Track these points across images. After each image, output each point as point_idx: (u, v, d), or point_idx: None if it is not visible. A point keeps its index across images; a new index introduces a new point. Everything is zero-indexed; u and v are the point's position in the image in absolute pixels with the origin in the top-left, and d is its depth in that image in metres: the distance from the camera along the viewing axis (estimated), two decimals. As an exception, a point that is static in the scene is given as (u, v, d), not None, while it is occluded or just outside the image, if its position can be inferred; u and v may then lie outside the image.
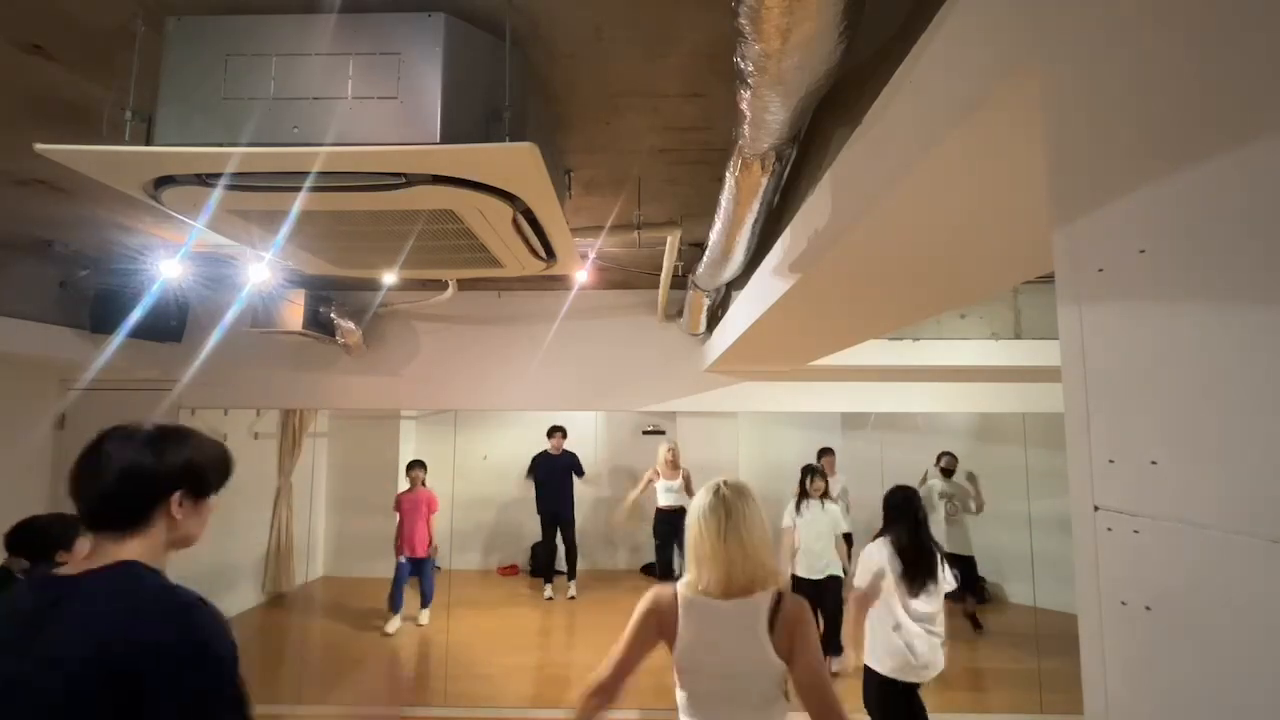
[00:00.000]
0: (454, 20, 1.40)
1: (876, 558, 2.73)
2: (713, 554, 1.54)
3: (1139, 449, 0.63)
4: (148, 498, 1.07)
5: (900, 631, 2.64)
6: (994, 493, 5.31)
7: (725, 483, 1.64)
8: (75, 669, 0.91)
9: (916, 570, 2.65)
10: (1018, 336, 4.10)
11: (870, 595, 2.71)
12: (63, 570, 1.03)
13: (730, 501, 1.59)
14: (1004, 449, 5.34)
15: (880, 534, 2.81)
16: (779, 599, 1.53)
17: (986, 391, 4.56)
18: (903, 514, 2.76)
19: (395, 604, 5.19)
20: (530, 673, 4.63)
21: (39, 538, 2.17)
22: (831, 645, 4.19)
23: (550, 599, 5.97)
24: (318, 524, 6.44)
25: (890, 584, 2.68)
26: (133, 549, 1.05)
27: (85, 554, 1.06)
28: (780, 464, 5.94)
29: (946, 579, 2.74)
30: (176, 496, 1.09)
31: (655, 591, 1.61)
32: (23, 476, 4.23)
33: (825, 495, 4.37)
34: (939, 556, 2.73)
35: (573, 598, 5.98)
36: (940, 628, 2.71)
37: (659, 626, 1.57)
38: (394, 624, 5.18)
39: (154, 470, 1.08)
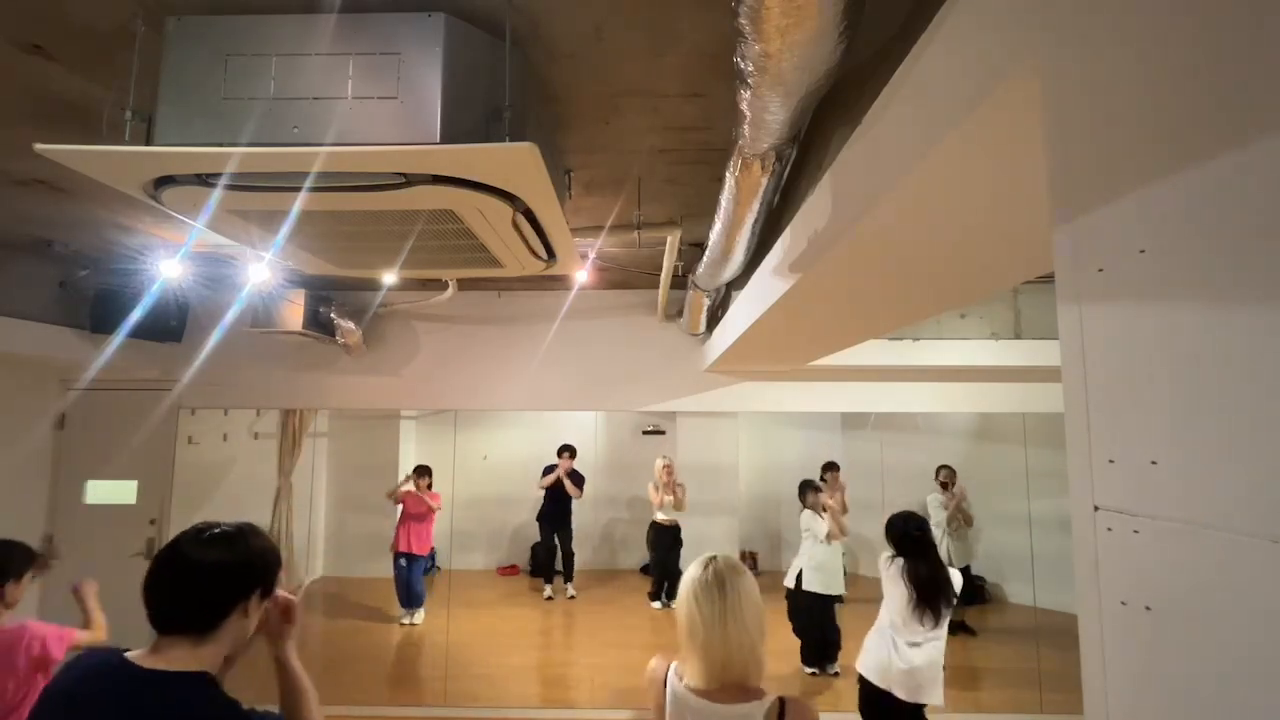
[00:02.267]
0: (454, 20, 1.40)
1: (897, 578, 2.73)
2: (707, 640, 1.34)
3: (1139, 449, 0.63)
4: (225, 602, 1.06)
5: (899, 651, 2.67)
6: (994, 493, 5.31)
7: (717, 558, 1.45)
8: None
9: (931, 602, 2.66)
10: (1018, 336, 4.10)
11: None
12: (135, 659, 1.01)
13: (726, 578, 1.39)
14: (1004, 449, 5.34)
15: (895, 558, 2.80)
16: (781, 710, 1.30)
17: (986, 391, 4.56)
18: (915, 545, 2.75)
19: (402, 600, 5.23)
20: (530, 673, 4.63)
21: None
22: (829, 656, 4.23)
23: (550, 599, 5.98)
24: (318, 524, 6.44)
25: (902, 610, 2.68)
26: (204, 657, 1.03)
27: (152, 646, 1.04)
28: (780, 464, 5.95)
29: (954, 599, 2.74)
30: (254, 598, 1.09)
31: (650, 671, 1.47)
32: (23, 476, 4.23)
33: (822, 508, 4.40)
34: (949, 582, 2.73)
35: (572, 597, 6.01)
36: (943, 647, 2.72)
37: (657, 708, 1.43)
38: (418, 615, 5.24)
39: (236, 566, 1.07)
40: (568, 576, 6.09)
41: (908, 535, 2.77)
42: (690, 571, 1.45)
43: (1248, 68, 0.54)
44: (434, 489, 5.43)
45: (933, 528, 5.09)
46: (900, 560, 2.75)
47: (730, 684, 1.34)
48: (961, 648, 4.93)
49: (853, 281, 1.97)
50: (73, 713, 0.95)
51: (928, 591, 2.66)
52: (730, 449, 6.11)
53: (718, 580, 1.39)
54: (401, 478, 5.47)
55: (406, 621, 5.25)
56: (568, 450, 6.08)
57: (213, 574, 1.05)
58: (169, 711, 0.97)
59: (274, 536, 5.81)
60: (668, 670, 1.43)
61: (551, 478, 5.90)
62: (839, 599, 4.37)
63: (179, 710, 0.98)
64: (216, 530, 1.09)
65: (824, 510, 4.37)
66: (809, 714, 1.32)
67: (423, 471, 5.40)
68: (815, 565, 4.31)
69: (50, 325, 3.85)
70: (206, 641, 1.04)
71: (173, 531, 1.20)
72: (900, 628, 2.69)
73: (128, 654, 1.02)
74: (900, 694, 2.63)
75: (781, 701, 1.31)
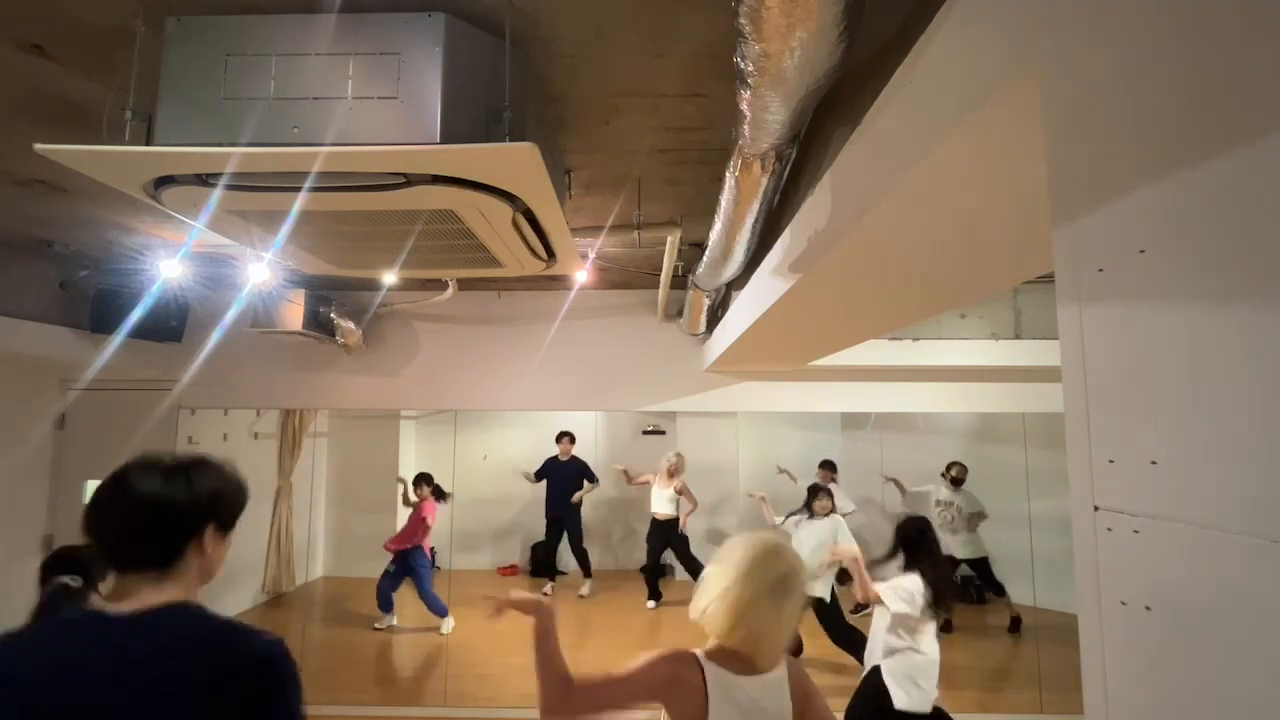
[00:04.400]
0: (454, 20, 1.40)
1: (914, 590, 2.66)
2: (769, 621, 1.37)
3: (1139, 449, 0.63)
4: (183, 533, 1.03)
5: (924, 663, 2.64)
6: (994, 493, 5.32)
7: (786, 548, 1.46)
8: (178, 689, 0.92)
9: (944, 603, 2.64)
10: (1018, 336, 4.10)
11: (887, 604, 2.67)
12: (109, 609, 0.99)
13: (796, 569, 1.43)
14: (1004, 449, 5.34)
15: (907, 567, 2.74)
16: (789, 667, 1.45)
17: (986, 391, 4.56)
18: (924, 546, 2.72)
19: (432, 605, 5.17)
20: (530, 673, 4.62)
21: (83, 567, 2.21)
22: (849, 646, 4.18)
23: (547, 594, 5.99)
24: (318, 524, 6.44)
25: (918, 616, 2.65)
26: (172, 590, 1.01)
27: (110, 592, 1.02)
28: (780, 464, 5.94)
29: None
30: (209, 529, 1.06)
31: (676, 656, 1.40)
32: (23, 476, 4.23)
33: (832, 511, 4.38)
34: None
35: (583, 596, 5.98)
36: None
37: (668, 690, 1.37)
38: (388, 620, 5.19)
39: (188, 503, 1.03)
40: (586, 572, 6.06)
41: (919, 535, 2.74)
42: (752, 548, 1.42)
43: (1248, 67, 0.54)
44: (429, 496, 5.36)
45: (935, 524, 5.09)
46: (916, 570, 2.69)
47: (768, 663, 1.40)
48: (960, 647, 4.94)
49: (853, 281, 1.97)
50: (68, 681, 0.92)
51: (939, 590, 2.63)
52: (730, 449, 6.12)
53: (791, 570, 1.41)
54: (408, 486, 5.43)
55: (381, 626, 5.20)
56: (567, 436, 6.07)
57: (158, 509, 1.01)
58: (169, 649, 0.96)
59: (274, 536, 5.81)
60: (697, 660, 1.39)
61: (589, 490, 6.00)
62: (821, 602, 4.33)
63: (179, 646, 0.96)
64: (163, 463, 1.05)
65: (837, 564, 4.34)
66: (804, 669, 1.50)
67: (424, 480, 5.36)
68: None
69: (50, 325, 3.85)
70: (170, 576, 1.01)
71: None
72: (923, 643, 2.66)
73: (96, 603, 1.01)
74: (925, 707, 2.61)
75: (788, 663, 1.45)
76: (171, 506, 1.02)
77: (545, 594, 5.98)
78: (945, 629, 4.90)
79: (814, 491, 4.44)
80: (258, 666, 0.99)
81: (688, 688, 1.35)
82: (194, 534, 1.04)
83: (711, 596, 1.41)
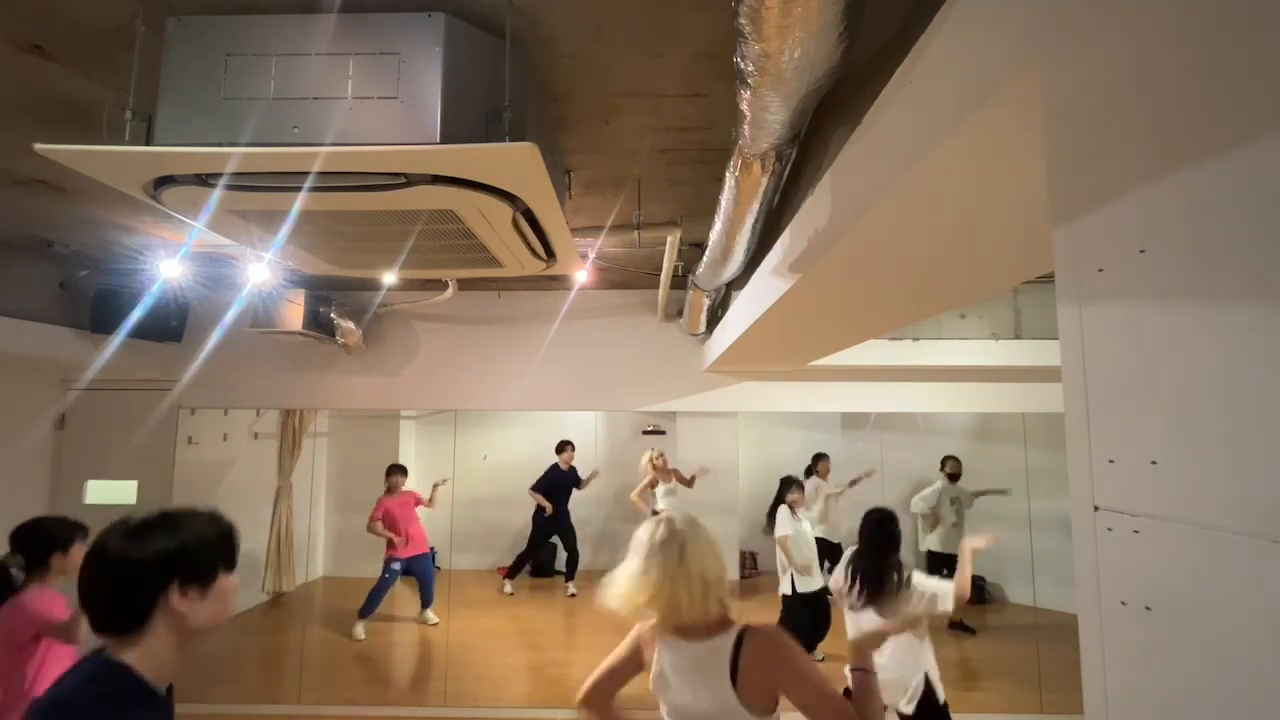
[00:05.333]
0: (454, 20, 1.40)
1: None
2: (657, 591, 1.46)
3: (1139, 449, 0.63)
4: (138, 596, 0.99)
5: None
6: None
7: (672, 517, 1.57)
8: None
9: (864, 588, 2.65)
10: (1018, 336, 4.10)
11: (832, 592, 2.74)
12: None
13: (671, 531, 1.52)
14: (1004, 449, 5.34)
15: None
16: (739, 640, 1.43)
17: (986, 391, 4.56)
18: (869, 537, 2.76)
19: (369, 610, 5.10)
20: (530, 673, 4.63)
21: (41, 538, 2.20)
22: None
23: (511, 594, 6.05)
24: (318, 524, 6.44)
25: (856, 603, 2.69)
26: (131, 656, 0.98)
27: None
28: (780, 464, 5.93)
29: (916, 593, 2.68)
30: (175, 590, 1.00)
31: (641, 628, 1.61)
32: (23, 476, 4.24)
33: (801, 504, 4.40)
34: (903, 576, 2.67)
35: (573, 596, 6.01)
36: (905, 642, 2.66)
37: (641, 653, 1.59)
38: (361, 630, 5.13)
39: (139, 564, 0.99)
40: (570, 575, 6.10)
41: (872, 526, 2.77)
42: (645, 529, 1.57)
43: (1247, 67, 0.54)
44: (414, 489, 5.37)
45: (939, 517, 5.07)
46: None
47: (694, 630, 1.47)
48: (959, 647, 4.94)
49: (853, 281, 1.97)
50: None
51: (863, 576, 2.68)
52: (730, 449, 6.11)
53: (674, 537, 1.51)
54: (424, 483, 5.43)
55: (361, 637, 5.16)
56: (570, 446, 6.08)
57: (117, 571, 0.99)
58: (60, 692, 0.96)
59: (274, 536, 5.81)
60: (656, 629, 1.56)
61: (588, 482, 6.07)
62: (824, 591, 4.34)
63: (66, 689, 0.97)
64: (130, 523, 1.02)
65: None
66: (769, 641, 1.44)
67: (397, 470, 5.32)
68: (800, 564, 4.29)
69: (50, 325, 3.85)
70: (135, 639, 0.99)
71: (234, 590, 1.15)
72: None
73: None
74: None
75: (740, 635, 1.44)
76: (120, 565, 0.99)
77: (508, 592, 6.00)
78: (962, 628, 4.95)
79: (786, 484, 4.43)
80: None
81: (649, 643, 1.57)
82: (154, 595, 1.00)
83: (618, 590, 1.54)
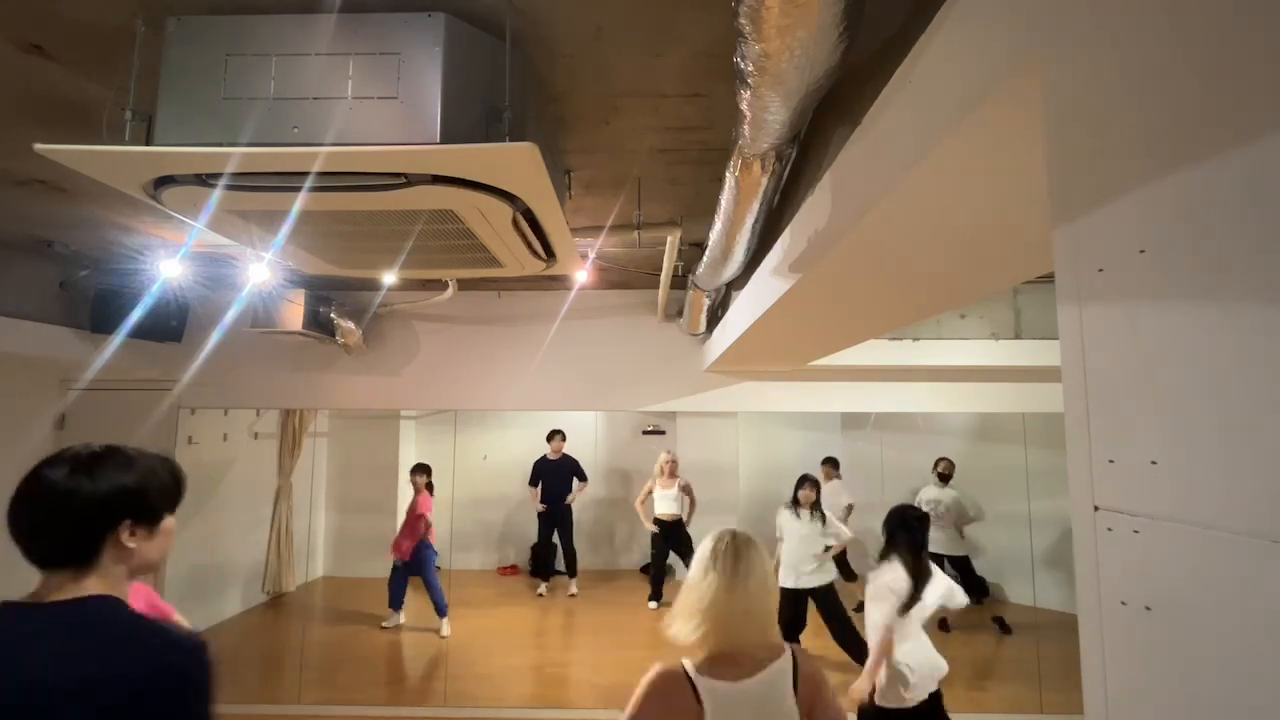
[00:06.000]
0: (454, 20, 1.40)
1: (893, 584, 2.63)
2: (724, 612, 1.37)
3: (1139, 449, 0.63)
4: (91, 530, 1.00)
5: (903, 657, 2.61)
6: (994, 493, 5.32)
7: (734, 533, 1.50)
8: (61, 702, 0.89)
9: (919, 590, 2.61)
10: (1018, 336, 4.10)
11: (895, 626, 2.61)
12: (31, 598, 0.97)
13: (742, 551, 1.44)
14: (1004, 449, 5.35)
15: (884, 557, 2.73)
16: (795, 658, 1.42)
17: (986, 391, 4.56)
18: (903, 533, 2.71)
19: (395, 601, 5.22)
20: (530, 673, 4.63)
21: None
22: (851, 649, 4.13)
23: (541, 595, 6.02)
24: (318, 524, 6.44)
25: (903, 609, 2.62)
26: (92, 585, 0.98)
27: (35, 589, 0.99)
28: (780, 464, 5.95)
29: (942, 590, 2.70)
30: (125, 527, 1.02)
31: (664, 674, 1.37)
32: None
33: (815, 506, 4.37)
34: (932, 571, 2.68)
35: (573, 595, 6.01)
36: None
37: (667, 714, 1.35)
38: (392, 620, 5.21)
39: (92, 500, 0.99)
40: (571, 572, 6.09)
41: (902, 524, 2.72)
42: (704, 547, 1.48)
43: (1248, 66, 0.54)
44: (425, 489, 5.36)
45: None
46: (894, 559, 2.68)
47: (750, 656, 1.38)
48: (960, 646, 4.94)
49: (853, 281, 1.97)
50: None
51: (916, 577, 2.62)
52: (730, 449, 6.12)
53: (734, 553, 1.44)
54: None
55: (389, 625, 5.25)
56: (559, 435, 6.08)
57: (61, 506, 0.98)
58: (85, 634, 0.94)
59: (274, 536, 5.81)
60: (684, 671, 1.36)
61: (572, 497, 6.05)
62: (829, 587, 4.34)
63: (96, 630, 0.95)
64: (73, 457, 1.02)
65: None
66: (812, 660, 1.46)
67: (422, 470, 5.36)
68: (785, 559, 4.28)
69: (50, 325, 3.85)
70: (88, 572, 0.99)
71: (174, 530, 1.16)
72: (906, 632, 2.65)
73: (11, 601, 0.97)
74: (908, 702, 2.60)
75: (793, 654, 1.43)
76: (74, 503, 0.99)
77: (540, 594, 6.00)
78: (941, 628, 4.91)
79: (800, 482, 4.43)
80: (170, 669, 0.95)
81: (683, 707, 1.32)
82: (106, 531, 1.00)
83: (677, 611, 1.44)
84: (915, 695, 2.58)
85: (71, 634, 0.94)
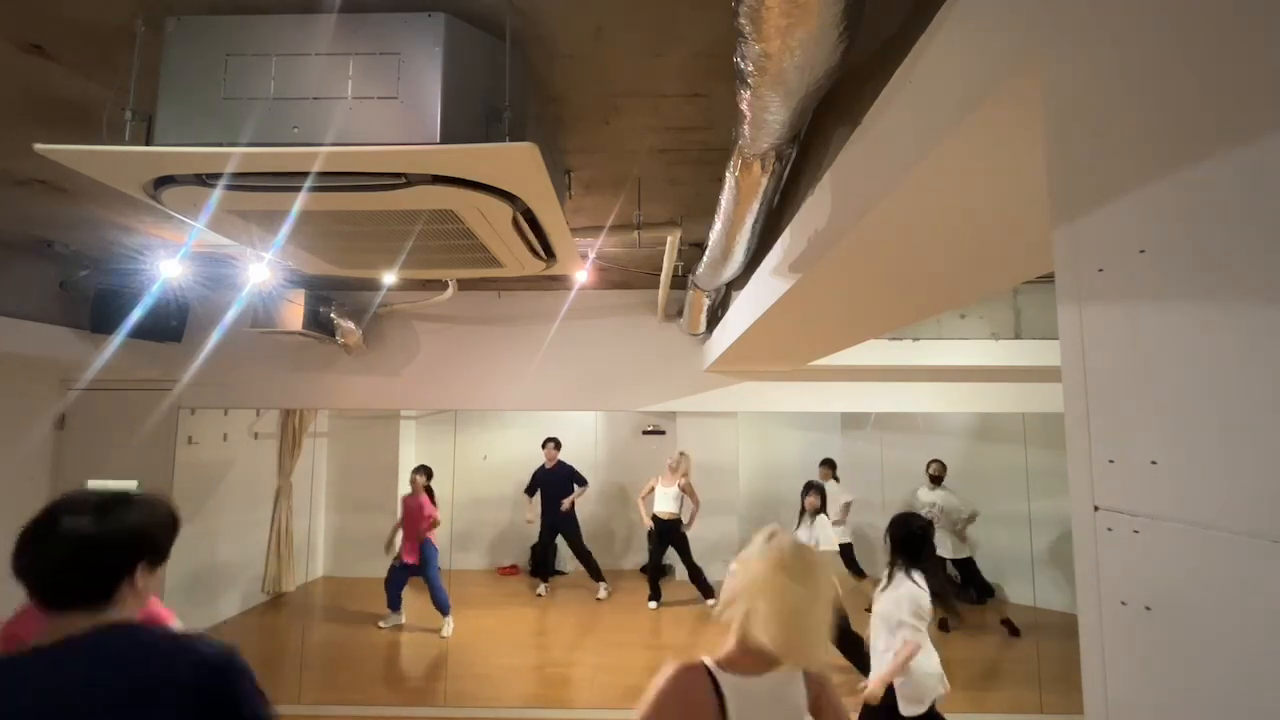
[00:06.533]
0: (454, 20, 1.40)
1: (924, 601, 2.61)
2: (811, 619, 1.33)
3: (1139, 449, 0.63)
4: (115, 571, 1.05)
5: (931, 666, 2.63)
6: (994, 493, 5.32)
7: (799, 543, 1.42)
8: (122, 709, 0.92)
9: (947, 603, 2.64)
10: (1018, 336, 4.10)
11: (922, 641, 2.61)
12: (41, 644, 0.98)
13: (815, 563, 1.40)
14: (1004, 449, 5.34)
15: (903, 570, 2.68)
16: (806, 677, 1.41)
17: (986, 391, 4.56)
18: (923, 548, 2.69)
19: (393, 603, 5.22)
20: (530, 673, 4.63)
21: None
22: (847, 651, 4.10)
23: (541, 595, 6.02)
24: (318, 524, 6.44)
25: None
26: (110, 620, 1.02)
27: (48, 629, 1.00)
28: (780, 464, 5.96)
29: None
30: (141, 567, 1.08)
31: (683, 672, 1.32)
32: (23, 477, 4.23)
33: (820, 510, 4.38)
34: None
35: (601, 599, 5.92)
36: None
37: (690, 714, 1.29)
38: (391, 620, 5.22)
39: (119, 543, 1.05)
40: (596, 575, 5.99)
41: (920, 537, 2.70)
42: (768, 546, 1.40)
43: (1248, 66, 0.54)
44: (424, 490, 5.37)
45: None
46: (920, 574, 2.65)
47: (787, 660, 1.35)
48: (960, 646, 4.94)
49: (853, 281, 1.97)
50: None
51: (939, 592, 2.63)
52: (730, 449, 6.12)
53: (812, 568, 1.37)
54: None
55: (385, 626, 5.25)
56: (552, 442, 6.07)
57: (91, 550, 1.03)
58: (112, 668, 0.96)
59: (274, 536, 5.81)
60: (705, 667, 1.33)
61: (568, 502, 6.00)
62: None
63: (123, 664, 0.97)
64: (91, 502, 1.07)
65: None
66: (827, 680, 1.43)
67: (421, 470, 5.37)
68: None
69: (50, 325, 3.85)
70: (106, 610, 1.03)
71: None
72: (929, 646, 2.64)
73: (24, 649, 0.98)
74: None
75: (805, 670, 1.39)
76: (104, 546, 1.04)
77: (539, 594, 6.00)
78: (942, 628, 4.91)
79: (806, 490, 4.44)
80: (209, 680, 0.99)
81: (702, 703, 1.29)
82: (126, 572, 1.06)
83: (749, 597, 1.35)
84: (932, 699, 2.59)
85: (102, 660, 0.97)
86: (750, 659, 1.34)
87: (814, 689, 1.40)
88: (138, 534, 1.08)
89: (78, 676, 0.94)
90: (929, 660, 2.63)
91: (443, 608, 5.09)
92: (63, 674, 0.94)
